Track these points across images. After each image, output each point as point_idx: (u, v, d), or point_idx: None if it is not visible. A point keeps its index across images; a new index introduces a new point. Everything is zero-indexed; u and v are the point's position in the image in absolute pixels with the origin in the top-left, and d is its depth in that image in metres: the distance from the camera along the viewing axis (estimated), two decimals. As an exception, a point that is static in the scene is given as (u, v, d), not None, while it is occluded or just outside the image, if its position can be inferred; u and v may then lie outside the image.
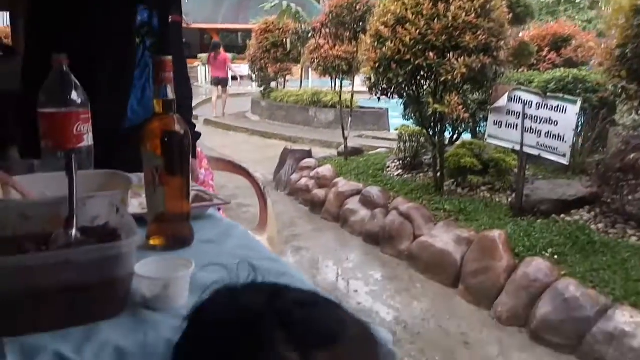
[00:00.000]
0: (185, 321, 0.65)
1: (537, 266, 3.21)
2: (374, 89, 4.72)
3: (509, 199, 4.32)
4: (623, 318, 2.73)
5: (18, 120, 1.63)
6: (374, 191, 4.95)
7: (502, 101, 4.12)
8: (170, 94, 1.12)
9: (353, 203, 5.07)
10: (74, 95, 1.35)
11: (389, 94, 4.67)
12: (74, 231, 0.98)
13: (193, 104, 2.08)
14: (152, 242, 1.21)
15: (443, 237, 3.93)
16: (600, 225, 3.69)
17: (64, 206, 1.01)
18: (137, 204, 1.37)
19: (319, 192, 5.56)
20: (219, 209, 1.66)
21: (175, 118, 1.13)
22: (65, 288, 0.87)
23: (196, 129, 1.91)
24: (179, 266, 0.98)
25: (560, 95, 4.14)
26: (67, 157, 1.10)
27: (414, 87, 4.57)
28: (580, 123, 4.67)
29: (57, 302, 0.87)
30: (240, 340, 0.59)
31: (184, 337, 0.65)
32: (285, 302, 0.63)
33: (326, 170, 5.86)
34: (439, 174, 4.72)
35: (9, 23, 5.93)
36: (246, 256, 1.00)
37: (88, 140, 1.39)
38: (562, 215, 3.91)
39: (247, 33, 18.88)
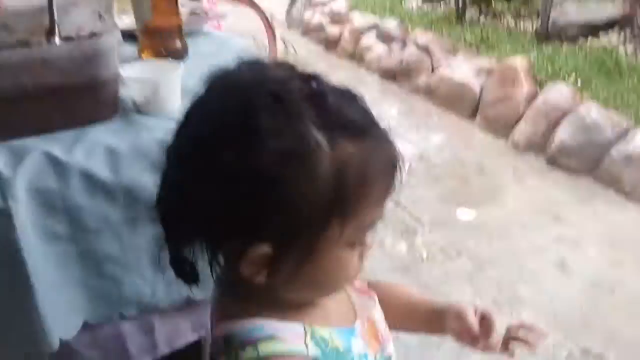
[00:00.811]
0: (204, 84, 0.57)
1: (559, 92, 3.10)
2: None
3: (535, 26, 4.07)
4: (643, 139, 2.68)
5: None
6: (391, 25, 4.70)
7: None
8: None
9: (369, 38, 4.85)
10: None
11: None
12: (56, 39, 0.92)
13: None
14: (144, 56, 1.15)
15: (462, 68, 3.79)
16: (628, 48, 3.49)
17: (46, 15, 0.94)
18: (127, 21, 1.29)
19: (333, 29, 5.32)
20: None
21: None
22: (52, 89, 0.83)
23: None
24: (167, 69, 0.93)
25: None
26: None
27: None
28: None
29: (45, 104, 0.84)
30: (265, 108, 0.52)
31: (198, 102, 0.57)
32: (320, 85, 0.56)
33: (340, 4, 5.54)
34: (460, 3, 4.43)
35: None
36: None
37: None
38: (590, 40, 3.69)
39: None
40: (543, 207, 2.77)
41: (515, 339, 0.77)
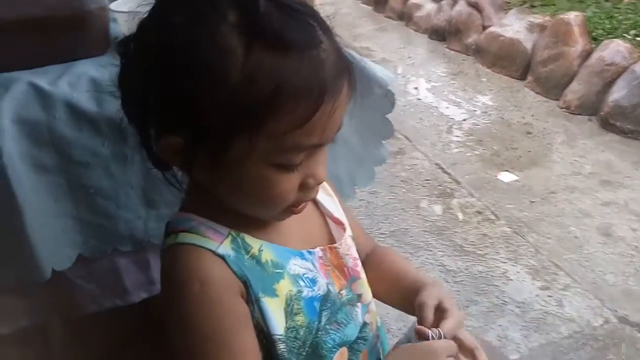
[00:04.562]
0: None
1: (615, 48, 2.89)
2: None
3: (596, -20, 3.80)
4: None
5: None
6: (442, -18, 4.51)
7: None
8: None
9: (418, -4, 4.68)
10: None
11: None
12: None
13: None
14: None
15: (514, 26, 3.59)
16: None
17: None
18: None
19: (383, -12, 5.16)
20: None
21: None
22: (35, 23, 0.82)
23: None
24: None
25: None
26: None
27: None
28: None
29: (30, 39, 0.83)
30: (188, 4, 0.56)
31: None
32: None
33: (391, -37, 5.36)
34: (516, -43, 4.18)
35: None
36: None
37: None
38: (656, -7, 3.42)
39: None
40: (592, 170, 2.62)
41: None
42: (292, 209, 0.64)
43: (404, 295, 0.79)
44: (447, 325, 0.68)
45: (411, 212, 2.41)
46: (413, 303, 0.74)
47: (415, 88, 3.69)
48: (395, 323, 1.76)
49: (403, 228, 2.31)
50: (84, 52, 0.85)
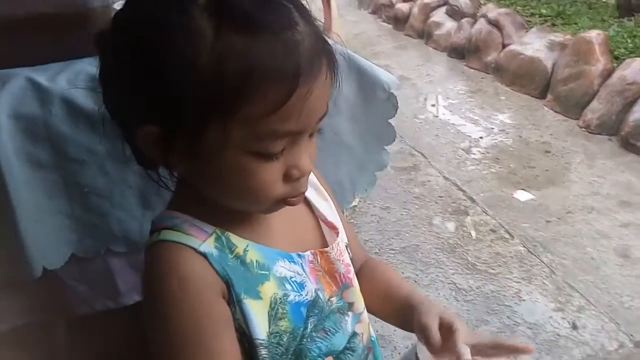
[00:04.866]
0: None
1: (637, 67, 2.85)
2: None
3: None
4: None
5: None
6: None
7: None
8: None
9: (438, 15, 4.69)
10: None
11: None
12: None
13: None
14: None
15: (534, 44, 3.56)
16: None
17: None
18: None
19: (403, 6, 5.18)
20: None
21: None
22: (41, 20, 0.83)
23: None
24: None
25: None
26: None
27: None
28: None
29: (34, 36, 0.83)
30: None
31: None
32: None
33: (412, -19, 5.38)
34: (537, -24, 4.16)
35: None
36: None
37: None
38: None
39: None
40: (611, 191, 2.56)
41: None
42: (286, 200, 0.61)
43: (396, 309, 0.76)
44: (461, 338, 0.65)
45: (423, 229, 2.37)
46: (406, 318, 0.72)
47: (433, 105, 3.67)
48: (402, 341, 1.73)
49: (414, 244, 2.27)
50: (88, 50, 0.85)
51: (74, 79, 0.80)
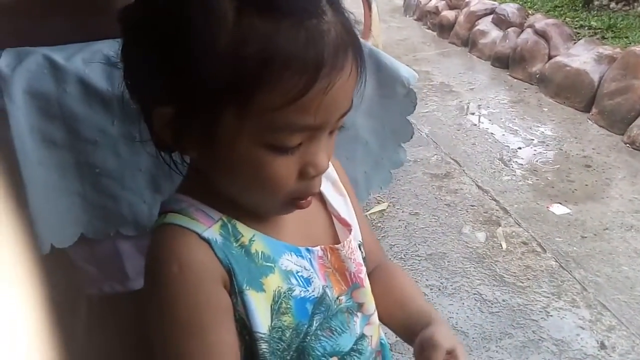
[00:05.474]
0: None
1: (689, 83, 2.72)
2: None
3: (675, 13, 3.61)
4: None
5: None
6: (510, 8, 4.42)
7: None
8: None
9: (485, 23, 4.61)
10: None
11: None
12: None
13: None
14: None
15: (582, 56, 3.45)
16: None
17: None
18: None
19: (449, 14, 5.12)
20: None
21: None
22: (63, 4, 0.84)
23: None
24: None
25: None
26: None
27: None
28: None
29: (60, 18, 0.85)
30: None
31: None
32: None
33: (459, -11, 5.32)
34: (589, -13, 4.05)
35: None
36: None
37: None
38: None
39: None
40: (653, 210, 2.45)
41: None
42: (295, 202, 0.59)
43: (405, 321, 0.73)
44: None
45: (452, 237, 2.32)
46: (414, 331, 0.68)
47: (472, 113, 3.60)
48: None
49: (441, 252, 2.22)
50: (111, 33, 0.86)
51: (90, 59, 0.80)
